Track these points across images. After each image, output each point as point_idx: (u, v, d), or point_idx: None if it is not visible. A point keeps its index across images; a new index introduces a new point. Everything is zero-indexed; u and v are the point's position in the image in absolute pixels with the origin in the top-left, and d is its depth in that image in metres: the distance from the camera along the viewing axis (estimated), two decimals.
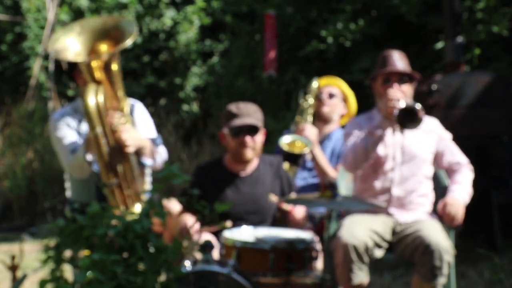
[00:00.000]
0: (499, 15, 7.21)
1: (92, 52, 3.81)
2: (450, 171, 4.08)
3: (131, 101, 4.21)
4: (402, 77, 4.02)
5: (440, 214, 3.89)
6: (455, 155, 4.07)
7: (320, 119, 4.70)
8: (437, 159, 4.09)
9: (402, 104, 3.75)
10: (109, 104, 3.80)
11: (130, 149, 3.78)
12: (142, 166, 3.91)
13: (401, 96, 3.85)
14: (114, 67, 3.79)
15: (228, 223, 3.67)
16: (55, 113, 4.24)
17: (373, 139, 3.88)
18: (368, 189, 4.01)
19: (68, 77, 9.70)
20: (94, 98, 3.68)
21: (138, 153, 3.88)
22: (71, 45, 3.83)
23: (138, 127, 4.08)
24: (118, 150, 3.77)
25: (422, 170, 4.02)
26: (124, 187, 3.79)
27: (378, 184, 4.00)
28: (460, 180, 4.01)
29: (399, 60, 4.04)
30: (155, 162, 3.98)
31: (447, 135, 4.11)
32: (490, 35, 7.33)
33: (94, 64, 3.74)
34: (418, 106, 3.75)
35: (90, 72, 3.76)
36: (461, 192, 3.96)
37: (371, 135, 3.89)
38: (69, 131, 4.06)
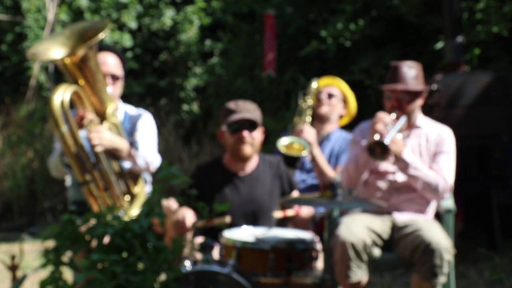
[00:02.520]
0: (499, 15, 7.21)
1: (72, 53, 3.81)
2: None
3: (140, 111, 4.27)
4: (403, 94, 4.00)
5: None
6: (442, 170, 3.96)
7: (318, 119, 4.68)
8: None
9: (376, 138, 3.79)
10: (86, 105, 3.81)
11: (98, 148, 3.77)
12: (122, 169, 3.90)
13: (386, 123, 3.85)
14: (92, 67, 3.80)
15: (228, 219, 3.66)
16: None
17: (364, 158, 3.90)
18: (369, 186, 4.03)
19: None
20: (60, 97, 3.68)
21: (114, 155, 3.87)
22: (51, 47, 3.87)
23: (138, 136, 4.10)
24: (89, 149, 3.79)
25: None
26: (100, 187, 3.78)
27: (379, 184, 4.01)
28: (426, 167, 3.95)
29: (405, 75, 4.01)
30: (137, 165, 3.95)
31: (448, 149, 4.02)
32: (490, 35, 7.33)
33: (68, 61, 3.75)
34: (389, 143, 3.78)
35: (68, 71, 3.78)
36: (416, 160, 3.91)
37: (362, 155, 3.91)
38: None
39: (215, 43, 10.97)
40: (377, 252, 3.84)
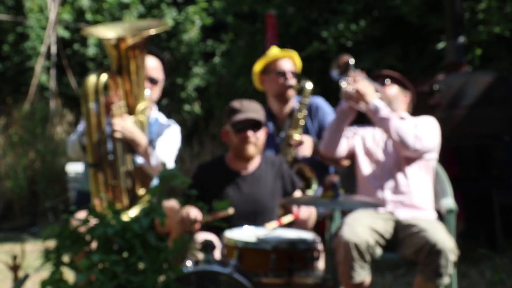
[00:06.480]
0: (500, 15, 7.21)
1: (122, 38, 3.78)
2: None
3: (170, 122, 4.30)
4: (384, 80, 4.21)
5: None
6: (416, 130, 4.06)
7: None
8: None
9: (348, 58, 4.08)
10: (120, 94, 3.79)
11: (117, 134, 3.74)
12: (134, 163, 3.85)
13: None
14: (138, 62, 3.78)
15: (231, 210, 3.66)
16: None
17: (336, 114, 4.12)
18: (367, 181, 4.08)
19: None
20: (96, 76, 3.67)
21: (131, 148, 3.84)
22: (105, 29, 3.89)
23: (161, 141, 4.13)
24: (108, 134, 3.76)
25: (417, 163, 4.06)
26: (108, 175, 3.74)
27: (375, 174, 4.07)
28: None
29: (388, 70, 4.33)
30: (149, 164, 3.91)
31: (426, 123, 4.12)
32: (491, 36, 7.33)
33: (122, 44, 3.71)
34: (352, 61, 4.06)
35: (114, 56, 3.74)
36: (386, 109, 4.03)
37: (338, 110, 4.11)
38: None
39: (216, 43, 10.97)
40: (378, 252, 3.84)
